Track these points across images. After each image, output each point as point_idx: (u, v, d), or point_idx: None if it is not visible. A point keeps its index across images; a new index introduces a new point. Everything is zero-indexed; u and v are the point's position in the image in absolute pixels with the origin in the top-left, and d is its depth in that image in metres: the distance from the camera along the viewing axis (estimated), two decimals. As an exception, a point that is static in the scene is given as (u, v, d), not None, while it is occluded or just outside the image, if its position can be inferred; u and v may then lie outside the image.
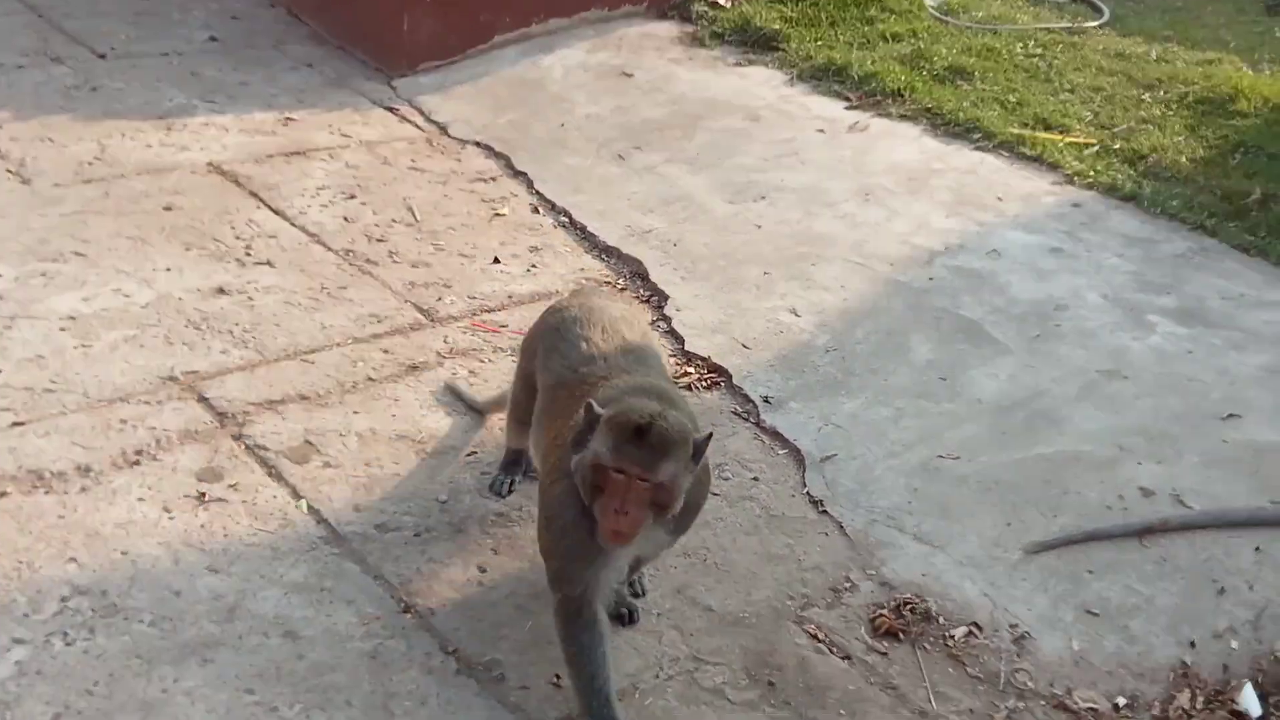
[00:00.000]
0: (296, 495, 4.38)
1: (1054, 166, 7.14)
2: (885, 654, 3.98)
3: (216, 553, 4.05)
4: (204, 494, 4.31)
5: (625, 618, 3.89)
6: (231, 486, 4.37)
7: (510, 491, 4.44)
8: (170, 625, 3.74)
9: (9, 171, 6.45)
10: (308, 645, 3.73)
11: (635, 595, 4.03)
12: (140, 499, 4.25)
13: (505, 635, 3.88)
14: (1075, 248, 6.27)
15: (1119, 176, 6.96)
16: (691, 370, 5.43)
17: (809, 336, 5.61)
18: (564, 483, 3.37)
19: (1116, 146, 7.34)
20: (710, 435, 3.32)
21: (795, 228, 6.50)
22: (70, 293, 5.41)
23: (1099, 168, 7.04)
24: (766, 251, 6.29)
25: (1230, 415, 5.02)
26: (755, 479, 4.78)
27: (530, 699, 3.66)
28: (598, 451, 3.20)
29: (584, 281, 6.04)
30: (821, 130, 7.61)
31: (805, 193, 6.84)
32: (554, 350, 3.82)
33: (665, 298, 5.94)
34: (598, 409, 3.27)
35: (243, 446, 4.59)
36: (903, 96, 7.85)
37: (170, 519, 4.19)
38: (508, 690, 3.67)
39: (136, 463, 4.43)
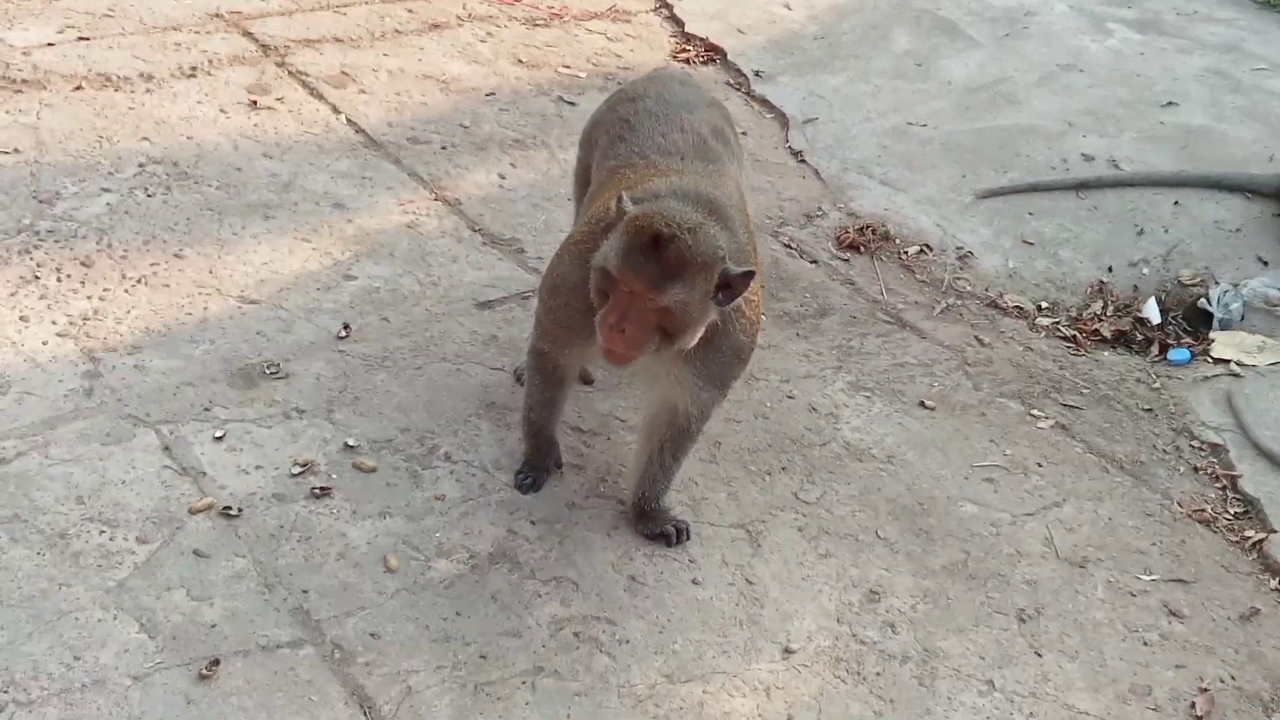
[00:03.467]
0: (336, 110, 4.91)
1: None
2: (847, 261, 4.63)
3: (270, 144, 4.61)
4: (255, 101, 4.84)
5: (672, 536, 3.27)
6: (279, 99, 4.90)
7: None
8: (235, 190, 4.32)
9: None
10: (354, 213, 4.33)
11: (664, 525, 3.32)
12: (199, 102, 4.78)
13: (523, 223, 4.49)
14: (1050, -33, 6.74)
15: (1099, -89, 7.35)
16: (690, 48, 5.94)
17: (799, 26, 6.11)
18: (577, 264, 2.95)
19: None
20: (751, 272, 2.78)
21: (793, -64, 6.90)
22: (116, -58, 5.80)
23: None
24: (764, -45, 6.71)
25: (1169, 103, 5.60)
26: (743, 133, 5.32)
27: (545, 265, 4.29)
28: (608, 254, 2.74)
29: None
30: None
31: (804, -91, 7.22)
32: (620, 140, 3.28)
33: (668, -11, 6.39)
34: (627, 203, 2.79)
35: (286, 71, 5.10)
36: None
37: (227, 118, 4.72)
38: (527, 259, 4.29)
39: (193, 75, 4.94)
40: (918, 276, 4.60)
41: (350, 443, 3.37)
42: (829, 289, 4.44)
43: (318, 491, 3.20)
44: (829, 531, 3.42)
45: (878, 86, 5.66)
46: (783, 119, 5.46)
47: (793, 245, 4.65)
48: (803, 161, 5.20)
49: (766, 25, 6.11)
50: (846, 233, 4.72)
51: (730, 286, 2.77)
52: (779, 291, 4.37)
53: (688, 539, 3.27)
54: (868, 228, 4.76)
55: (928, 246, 4.74)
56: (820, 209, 4.90)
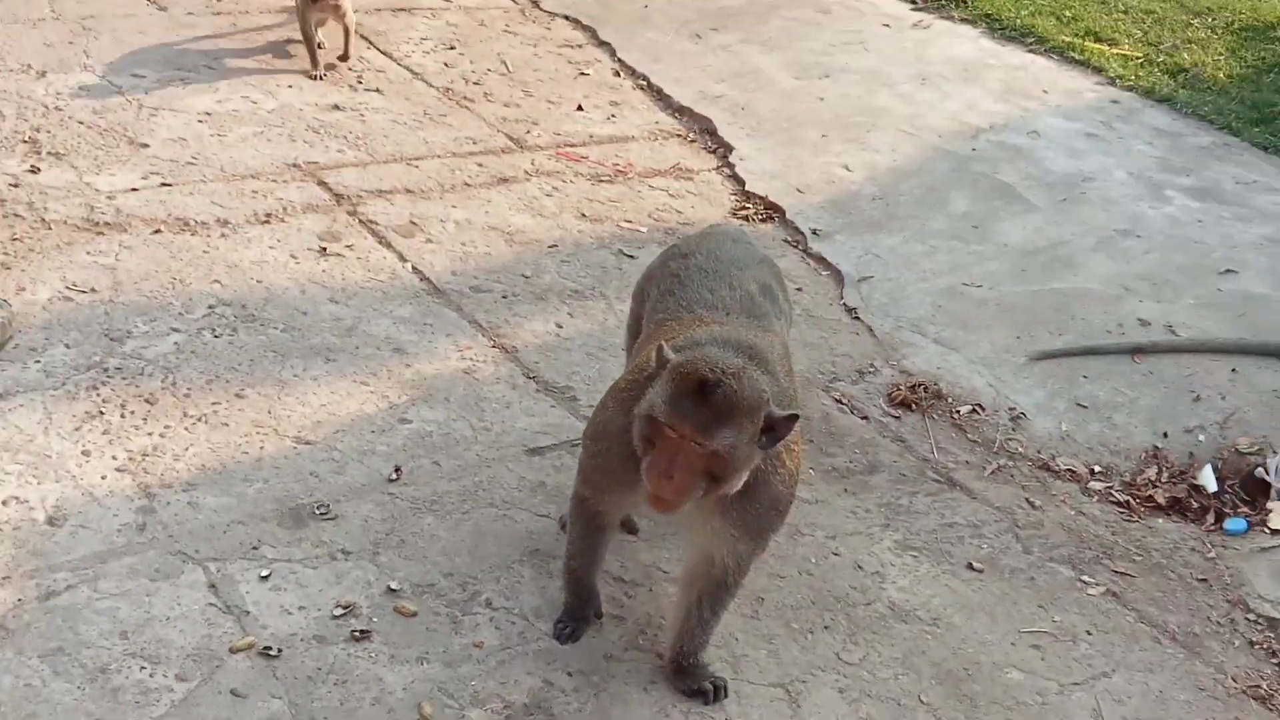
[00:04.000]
0: (403, 259, 5.07)
1: (1098, 70, 7.70)
2: (898, 418, 4.63)
3: (336, 290, 4.76)
4: (325, 248, 5.02)
5: (709, 694, 3.22)
6: (348, 247, 5.07)
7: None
8: (299, 333, 4.45)
9: (148, 0, 7.16)
10: (413, 358, 4.44)
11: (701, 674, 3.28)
12: (271, 247, 4.97)
13: (577, 372, 4.57)
14: (1109, 134, 6.85)
15: (1158, 82, 7.51)
16: (749, 206, 6.07)
17: (858, 187, 6.24)
18: (620, 411, 3.00)
19: (1159, 60, 7.89)
20: (795, 415, 2.82)
21: (854, 102, 7.11)
22: (205, 95, 6.12)
23: (1140, 74, 7.59)
24: (826, 119, 6.90)
25: (1227, 271, 5.60)
26: (799, 289, 5.43)
27: (596, 414, 4.35)
28: (654, 402, 2.76)
29: (659, 130, 6.68)
30: (887, 25, 8.19)
31: (867, 74, 7.44)
32: (669, 294, 3.36)
33: (730, 149, 6.57)
34: (668, 352, 2.82)
35: (357, 220, 5.29)
36: (965, 2, 8.40)
37: (297, 263, 4.89)
38: (579, 407, 4.35)
39: (267, 221, 5.14)
40: (969, 436, 4.59)
41: (393, 586, 3.40)
42: (879, 446, 4.44)
43: (358, 634, 3.23)
44: (870, 694, 3.37)
45: (934, 247, 5.73)
46: (838, 276, 5.54)
47: (844, 401, 4.67)
48: (857, 319, 5.25)
49: (825, 185, 6.23)
50: (898, 390, 4.74)
51: (774, 429, 2.80)
52: (828, 446, 4.38)
53: (725, 697, 3.23)
54: (920, 385, 4.77)
55: (980, 406, 4.74)
56: (873, 365, 4.93)
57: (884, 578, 3.80)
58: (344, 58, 6.70)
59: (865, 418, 4.61)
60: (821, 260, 5.68)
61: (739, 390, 2.71)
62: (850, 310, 5.31)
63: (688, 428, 2.71)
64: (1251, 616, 3.88)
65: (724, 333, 3.00)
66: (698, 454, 2.73)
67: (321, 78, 6.50)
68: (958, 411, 4.71)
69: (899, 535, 4.00)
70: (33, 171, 5.14)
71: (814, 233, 5.84)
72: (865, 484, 4.23)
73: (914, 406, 4.69)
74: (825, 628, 3.57)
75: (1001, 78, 7.52)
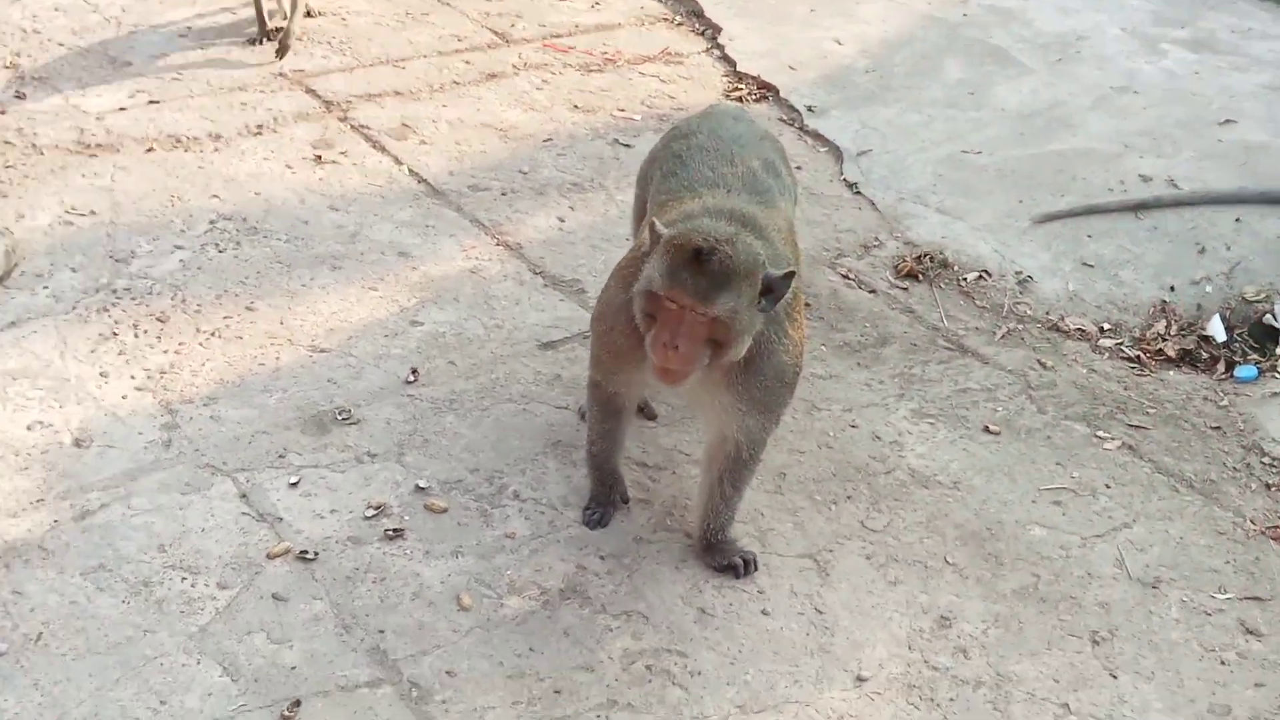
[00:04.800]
0: (398, 162, 5.03)
1: (1087, -76, 7.54)
2: (905, 289, 4.65)
3: (335, 197, 4.73)
4: (320, 156, 4.98)
5: (740, 568, 3.28)
6: (342, 153, 5.03)
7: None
8: (303, 242, 4.43)
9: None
10: (419, 261, 4.43)
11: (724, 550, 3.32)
12: (265, 158, 4.92)
13: (583, 264, 4.56)
14: (1100, -9, 6.76)
15: (1148, -67, 7.36)
16: (742, 87, 6.00)
17: (850, 60, 6.16)
18: (622, 290, 3.04)
19: (1148, -90, 7.72)
20: (792, 273, 2.86)
21: (840, -27, 6.97)
22: (183, 8, 6.01)
23: (1129, -74, 7.44)
24: (812, -8, 6.79)
25: (1227, 121, 5.57)
26: (798, 168, 5.37)
27: (605, 304, 4.36)
28: (651, 276, 2.80)
29: (644, 16, 6.57)
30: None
31: (850, -55, 7.29)
32: (672, 175, 3.37)
33: (718, 30, 6.48)
34: (660, 227, 2.86)
35: (349, 126, 5.24)
36: None
37: (293, 173, 4.85)
38: (587, 299, 4.35)
39: (259, 133, 5.09)
40: (977, 303, 4.60)
41: (421, 484, 3.44)
42: (889, 318, 4.46)
43: (391, 533, 3.27)
44: (897, 559, 3.43)
45: (930, 116, 5.68)
46: (837, 152, 5.50)
47: (851, 276, 4.68)
48: (858, 193, 5.23)
49: (817, 61, 6.16)
50: (904, 262, 4.74)
51: (773, 290, 2.84)
52: (839, 322, 4.40)
53: (755, 570, 3.29)
54: (925, 256, 4.77)
55: (986, 273, 4.74)
56: (877, 239, 4.93)
57: (902, 446, 3.85)
58: (277, 33, 5.64)
59: (873, 291, 4.62)
60: (819, 137, 5.63)
61: (733, 255, 2.74)
62: (851, 185, 5.29)
63: (686, 297, 2.75)
64: (1267, 460, 3.94)
65: (716, 204, 3.03)
66: (699, 322, 2.77)
67: (260, 44, 5.67)
68: (964, 279, 4.72)
69: (914, 404, 4.04)
70: (19, 97, 5.08)
71: (809, 109, 5.79)
72: (878, 356, 4.25)
73: (921, 277, 4.69)
74: (848, 498, 3.62)
75: (988, -61, 7.37)
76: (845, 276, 4.68)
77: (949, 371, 4.20)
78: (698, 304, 2.75)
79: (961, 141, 5.51)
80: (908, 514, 3.58)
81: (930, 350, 4.30)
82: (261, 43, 5.71)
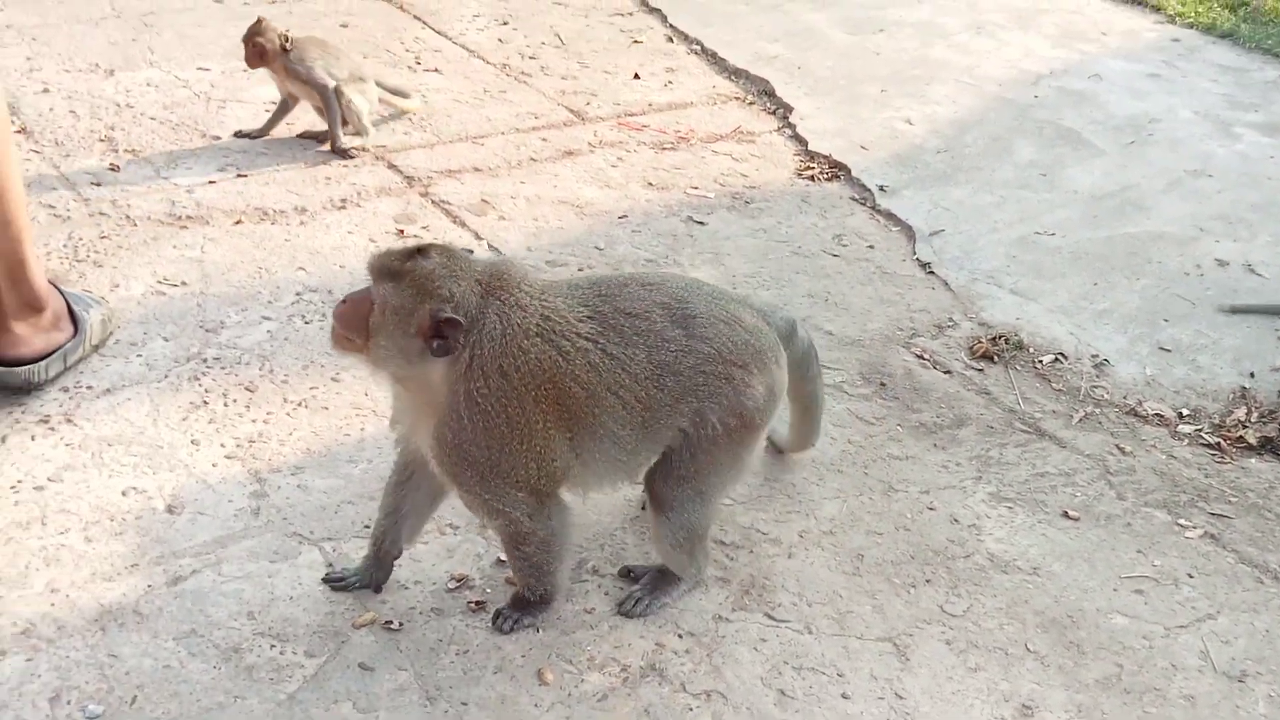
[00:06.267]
0: (478, 237, 5.13)
1: (1156, 9, 7.62)
2: (981, 371, 4.65)
3: (417, 270, 4.82)
4: (402, 230, 5.09)
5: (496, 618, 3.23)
6: (424, 228, 5.14)
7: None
8: (386, 315, 4.52)
9: (204, -8, 7.24)
10: (498, 335, 4.49)
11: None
12: (349, 232, 5.04)
13: (659, 340, 4.60)
14: (1171, 74, 6.79)
15: (1218, 18, 7.42)
16: (813, 166, 6.08)
17: (921, 140, 6.23)
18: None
19: (1219, -5, 7.78)
20: (457, 322, 2.80)
21: (911, 55, 7.08)
22: (269, 86, 6.16)
23: (1199, 10, 7.49)
24: (884, 74, 6.88)
25: (1303, 206, 5.57)
26: (870, 246, 5.44)
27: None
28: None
29: (716, 95, 6.69)
30: (937, -24, 8.13)
31: (921, 26, 7.40)
32: None
33: (790, 109, 6.58)
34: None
35: (430, 200, 5.36)
36: (1015, -53, 8.32)
37: (376, 247, 4.94)
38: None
39: (343, 207, 5.21)
40: (1054, 385, 4.60)
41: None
42: (964, 399, 4.46)
43: (474, 605, 3.30)
44: (977, 645, 3.41)
45: (1002, 197, 5.72)
46: (909, 232, 5.54)
47: (925, 356, 4.69)
48: (931, 273, 5.26)
49: (888, 141, 6.23)
50: (979, 342, 4.75)
51: (439, 334, 2.81)
52: (914, 403, 4.41)
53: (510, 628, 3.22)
54: (1000, 337, 4.78)
55: (1062, 355, 4.74)
56: (951, 319, 4.94)
57: (980, 530, 3.84)
58: (324, 140, 5.64)
59: (948, 372, 4.63)
60: (891, 216, 5.68)
61: (421, 266, 2.80)
62: (924, 265, 5.32)
63: (371, 265, 2.87)
64: (1354, 552, 3.88)
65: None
66: (366, 297, 2.86)
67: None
68: (1040, 361, 4.72)
69: (992, 487, 4.03)
70: (113, 169, 5.24)
71: (881, 189, 5.84)
72: (954, 438, 4.25)
73: (996, 358, 4.70)
74: (927, 581, 3.61)
75: (1057, 22, 7.46)
76: (920, 356, 4.69)
77: (1026, 455, 4.19)
78: (371, 271, 2.87)
79: (1034, 223, 5.53)
80: (987, 599, 3.56)
81: (1007, 433, 4.30)
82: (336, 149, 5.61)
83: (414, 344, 2.83)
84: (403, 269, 2.82)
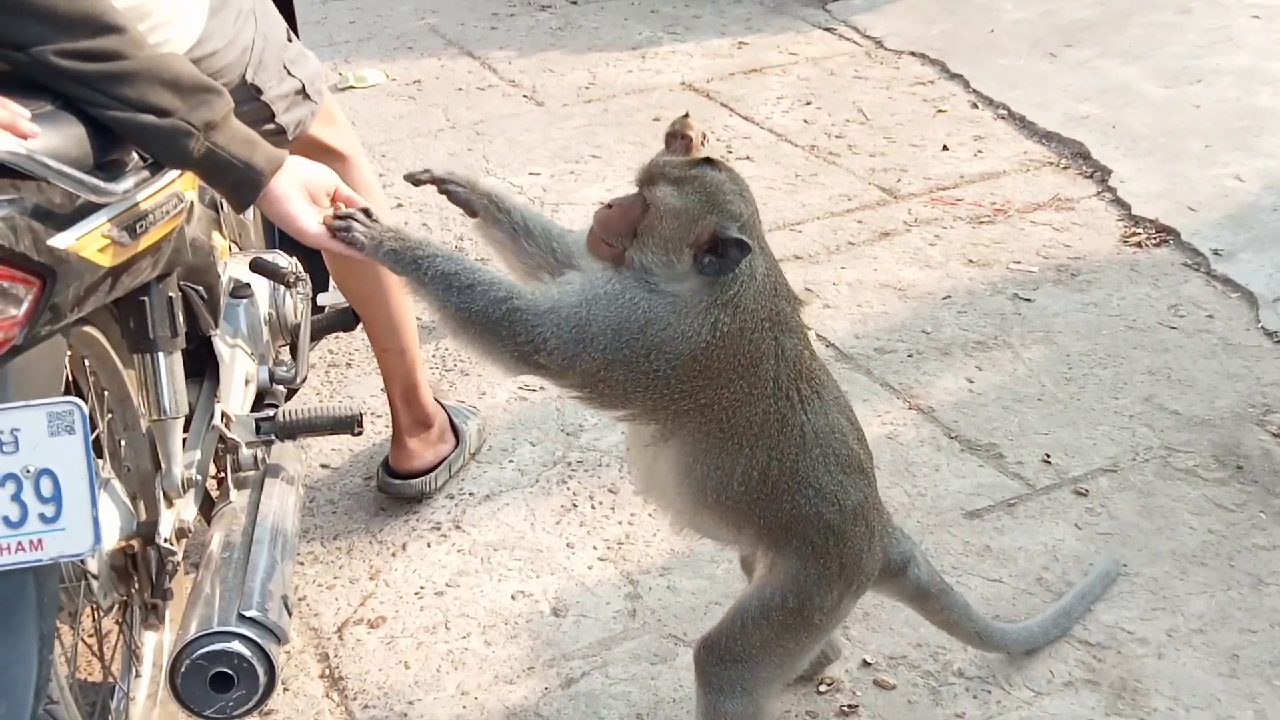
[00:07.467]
0: (806, 328, 5.28)
1: None
2: (1348, 449, 4.44)
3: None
4: (734, 324, 5.30)
5: None
6: (753, 320, 5.33)
7: None
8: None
9: (525, 97, 7.76)
10: (837, 428, 4.62)
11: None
12: (684, 328, 5.29)
13: (997, 427, 4.64)
14: None
15: None
16: (1140, 232, 5.95)
17: (1255, 197, 6.00)
18: None
19: None
20: (747, 245, 2.57)
21: (1235, 105, 6.82)
22: (595, 186, 6.58)
23: None
24: (1206, 127, 6.66)
25: None
26: (1210, 316, 5.28)
27: (1026, 470, 4.41)
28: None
29: (1029, 160, 6.64)
30: (1256, 17, 7.80)
31: (1241, 74, 7.13)
32: None
33: (1108, 171, 6.46)
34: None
35: (756, 292, 5.55)
36: (1342, -22, 7.89)
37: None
38: (1006, 464, 4.42)
39: (676, 303, 5.47)
40: None
41: (868, 659, 3.59)
42: (1332, 482, 4.28)
43: (846, 709, 3.43)
44: (1374, 754, 3.28)
45: (1354, 256, 5.44)
46: (1250, 298, 5.35)
47: (1283, 436, 4.53)
48: (1279, 343, 5.06)
49: (1219, 200, 6.03)
50: (1342, 421, 4.54)
51: (718, 251, 2.56)
52: (1275, 486, 4.26)
53: None
54: (1366, 413, 4.56)
55: None
56: (1307, 393, 4.75)
57: (1365, 626, 3.68)
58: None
59: (1309, 451, 4.45)
60: (1229, 282, 5.50)
61: (711, 175, 2.59)
62: (1270, 334, 5.12)
63: (646, 170, 2.65)
64: None
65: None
66: (637, 202, 2.61)
67: None
68: None
69: (1372, 578, 3.85)
70: (468, 280, 5.69)
71: (1215, 253, 5.66)
72: (1324, 524, 4.09)
73: (1363, 436, 4.48)
74: (1311, 683, 3.49)
75: (1398, 57, 7.03)
76: (1277, 435, 4.53)
77: None
78: (641, 175, 2.65)
79: (1393, 283, 5.24)
80: (1381, 703, 3.42)
81: (1384, 518, 4.10)
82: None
83: (683, 255, 2.57)
84: (688, 175, 2.58)
